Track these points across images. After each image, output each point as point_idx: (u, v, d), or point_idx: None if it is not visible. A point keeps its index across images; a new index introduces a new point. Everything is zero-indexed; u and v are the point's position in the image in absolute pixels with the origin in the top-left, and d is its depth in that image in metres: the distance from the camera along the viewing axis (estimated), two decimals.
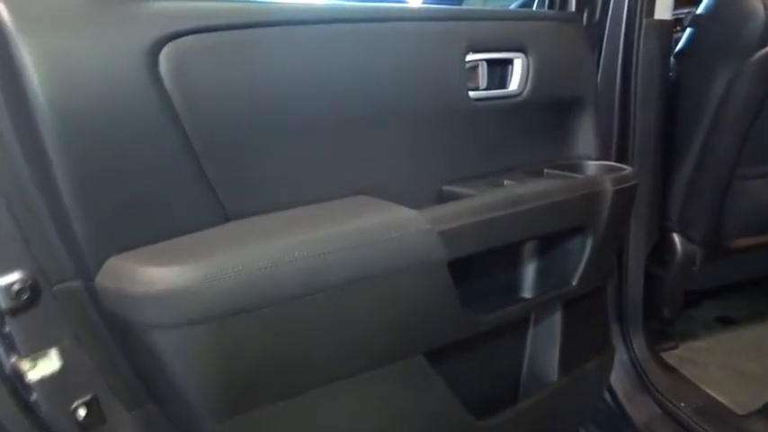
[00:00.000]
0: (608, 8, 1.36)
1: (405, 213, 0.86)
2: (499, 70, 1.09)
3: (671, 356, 1.73)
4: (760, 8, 1.32)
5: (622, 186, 1.12)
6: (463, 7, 1.42)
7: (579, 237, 1.11)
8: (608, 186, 1.10)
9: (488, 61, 1.05)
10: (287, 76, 0.85)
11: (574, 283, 1.12)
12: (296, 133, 0.87)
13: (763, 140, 1.46)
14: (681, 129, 1.50)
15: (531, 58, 1.09)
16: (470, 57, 1.02)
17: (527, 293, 1.13)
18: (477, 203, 0.94)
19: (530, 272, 1.14)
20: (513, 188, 1.03)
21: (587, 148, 1.24)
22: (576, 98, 1.19)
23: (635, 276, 1.50)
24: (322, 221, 0.83)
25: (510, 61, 1.09)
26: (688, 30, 1.47)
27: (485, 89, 1.06)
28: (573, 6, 1.28)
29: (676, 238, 1.61)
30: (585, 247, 1.12)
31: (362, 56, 0.92)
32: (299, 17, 0.87)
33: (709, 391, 1.51)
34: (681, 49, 1.48)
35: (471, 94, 1.03)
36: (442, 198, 1.03)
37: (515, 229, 0.98)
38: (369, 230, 0.82)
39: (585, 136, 1.23)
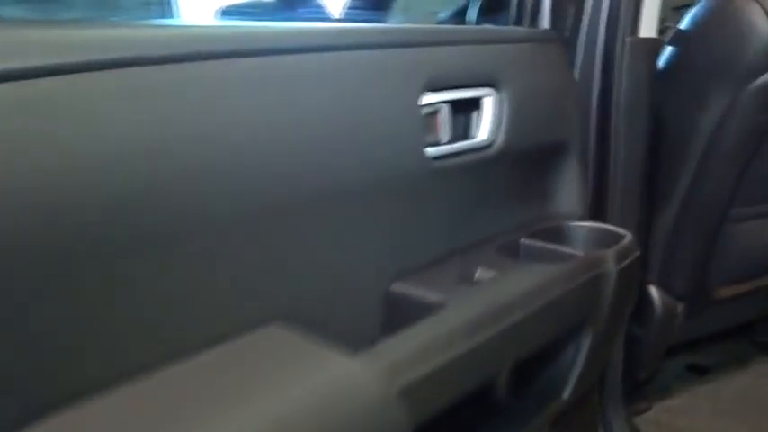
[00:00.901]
0: (580, 23, 1.08)
1: (344, 368, 0.54)
2: (463, 114, 0.79)
3: (647, 424, 1.49)
4: (763, 23, 1.08)
5: (628, 262, 0.84)
6: (414, 25, 1.10)
7: (573, 335, 0.83)
8: (611, 265, 0.82)
9: (451, 103, 0.75)
10: (139, 144, 0.51)
11: (565, 395, 0.84)
12: (170, 237, 0.53)
13: (761, 177, 1.23)
14: (665, 167, 1.25)
15: (504, 95, 0.80)
16: (427, 98, 0.72)
17: (502, 418, 0.83)
18: (446, 325, 0.63)
19: (506, 386, 0.84)
20: (493, 289, 0.73)
21: (571, 205, 0.96)
22: (558, 144, 0.91)
23: (616, 345, 1.25)
24: (203, 405, 0.49)
25: (477, 101, 0.79)
26: (670, 48, 1.22)
27: (447, 143, 0.75)
28: (546, 21, 0.99)
29: (655, 292, 1.37)
30: (581, 348, 0.83)
31: (267, 107, 0.59)
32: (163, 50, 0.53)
33: None
34: (662, 73, 1.22)
35: (429, 151, 0.72)
36: (392, 303, 0.72)
37: (503, 353, 0.68)
38: (290, 414, 0.49)
39: (569, 189, 0.95)
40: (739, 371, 1.68)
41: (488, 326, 0.64)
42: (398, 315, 0.72)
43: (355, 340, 0.55)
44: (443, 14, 2.18)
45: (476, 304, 0.66)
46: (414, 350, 0.58)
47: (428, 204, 0.75)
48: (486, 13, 1.99)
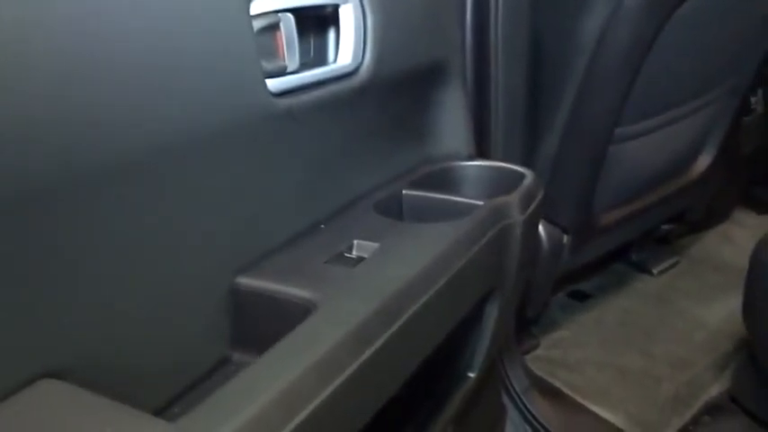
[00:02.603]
0: None
1: None
2: (315, 29, 0.57)
3: (539, 362, 1.41)
4: None
5: (533, 208, 0.68)
6: None
7: (479, 305, 0.66)
8: (516, 213, 0.65)
9: (296, 14, 0.52)
10: None
11: (473, 373, 0.68)
12: None
13: (648, 91, 1.12)
14: (545, 89, 1.11)
15: (368, 3, 0.58)
16: (260, 6, 0.49)
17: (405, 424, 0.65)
18: (313, 356, 0.42)
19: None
20: (378, 276, 0.53)
21: (457, 141, 0.78)
22: (437, 65, 0.71)
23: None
24: None
25: (332, 14, 0.57)
26: None
27: (295, 71, 0.53)
28: None
29: (541, 227, 1.25)
30: (488, 318, 0.67)
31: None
32: None
33: (604, 415, 1.21)
34: None
35: (271, 83, 0.50)
36: (240, 304, 0.51)
37: (403, 363, 0.49)
38: None
39: (454, 122, 0.77)
40: (620, 294, 1.65)
41: (378, 333, 0.45)
42: (251, 319, 0.51)
43: (182, 379, 0.34)
44: None
45: (357, 306, 0.46)
46: (258, 413, 0.37)
47: (276, 159, 0.53)
48: None
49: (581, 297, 1.67)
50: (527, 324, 1.49)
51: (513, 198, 0.68)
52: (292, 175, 0.56)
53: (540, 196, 0.73)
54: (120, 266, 0.44)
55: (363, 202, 0.64)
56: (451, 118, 0.77)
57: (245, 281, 0.51)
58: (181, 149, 0.46)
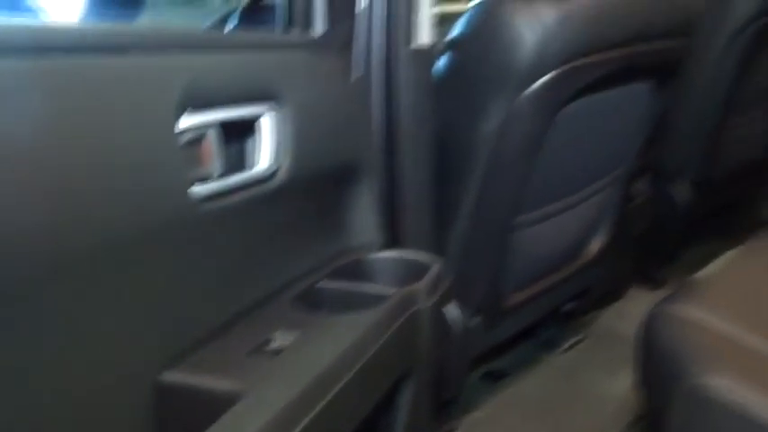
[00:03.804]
0: (354, 30, 0.98)
1: None
2: (236, 138, 0.62)
3: None
4: (529, 31, 1.06)
5: (440, 294, 0.74)
6: (167, 27, 0.90)
7: (394, 389, 0.70)
8: (424, 300, 0.71)
9: (221, 125, 0.58)
10: None
11: None
12: None
13: (544, 181, 1.24)
14: (452, 179, 1.20)
15: (285, 112, 0.65)
16: (188, 120, 0.54)
17: None
18: None
19: None
20: (300, 364, 0.56)
21: (369, 233, 0.84)
22: (349, 165, 0.78)
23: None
24: None
25: (252, 122, 0.63)
26: (444, 58, 1.17)
27: (218, 177, 0.58)
28: (320, 27, 0.86)
29: (453, 309, 1.32)
30: (403, 400, 0.71)
31: None
32: None
33: None
34: (438, 82, 1.17)
35: (195, 190, 0.55)
36: (165, 399, 0.53)
37: None
38: None
39: (365, 216, 0.83)
40: (532, 371, 1.72)
41: (299, 419, 0.48)
42: (177, 414, 0.53)
43: None
44: (209, 21, 1.99)
45: (278, 395, 0.50)
46: None
47: (199, 258, 0.57)
48: (250, 21, 1.84)
49: (496, 377, 1.73)
50: (445, 406, 1.53)
51: (421, 285, 0.73)
52: (215, 273, 0.59)
53: (447, 282, 0.79)
54: (44, 374, 0.45)
55: (283, 295, 0.68)
56: (363, 212, 0.83)
57: (169, 377, 0.53)
58: (108, 252, 0.49)
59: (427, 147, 1.08)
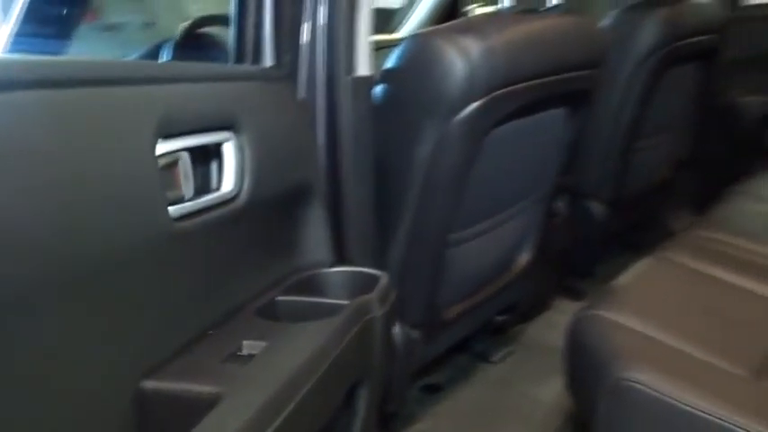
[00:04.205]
0: (298, 61, 1.04)
1: None
2: (203, 162, 0.68)
3: None
4: (458, 63, 1.16)
5: (390, 304, 0.81)
6: (143, 61, 0.94)
7: (351, 392, 0.76)
8: (376, 309, 0.77)
9: (191, 151, 0.63)
10: None
11: None
12: None
13: (475, 201, 1.33)
14: (390, 202, 1.27)
15: (245, 139, 0.70)
16: (164, 146, 0.59)
17: None
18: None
19: None
20: (274, 365, 0.62)
21: (321, 250, 0.90)
22: (301, 187, 0.84)
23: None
24: None
25: (216, 147, 0.68)
26: (381, 86, 1.26)
27: (190, 198, 0.63)
28: (269, 59, 0.92)
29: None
30: (359, 406, 0.77)
31: None
32: None
33: None
34: (378, 109, 1.25)
35: (171, 210, 0.59)
36: (147, 405, 0.57)
37: None
38: None
39: (317, 234, 0.89)
40: (467, 383, 1.80)
41: (274, 418, 0.54)
42: (158, 418, 0.57)
43: None
44: (135, 56, 2.00)
45: (256, 395, 0.55)
46: None
47: (175, 274, 0.62)
48: (183, 53, 1.87)
49: (433, 389, 1.80)
50: (387, 420, 1.58)
51: (373, 296, 0.80)
52: (188, 287, 0.64)
53: (394, 294, 0.86)
54: (29, 385, 0.48)
55: (247, 308, 0.73)
56: (316, 231, 0.89)
57: (151, 384, 0.57)
58: (95, 268, 0.53)
59: (368, 169, 1.15)
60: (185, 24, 1.96)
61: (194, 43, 1.95)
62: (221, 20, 2.06)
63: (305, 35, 1.02)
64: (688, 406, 0.99)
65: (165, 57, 1.87)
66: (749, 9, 2.35)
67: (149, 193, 0.56)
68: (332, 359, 0.65)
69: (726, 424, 0.96)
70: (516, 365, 1.87)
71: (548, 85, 1.31)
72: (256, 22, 0.89)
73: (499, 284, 1.64)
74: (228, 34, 2.05)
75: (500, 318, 1.88)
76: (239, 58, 0.92)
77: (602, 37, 1.49)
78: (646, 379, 1.04)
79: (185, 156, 0.63)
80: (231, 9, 0.93)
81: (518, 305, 1.86)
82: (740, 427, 0.95)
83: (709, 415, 0.98)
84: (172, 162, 0.61)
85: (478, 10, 2.58)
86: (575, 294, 2.17)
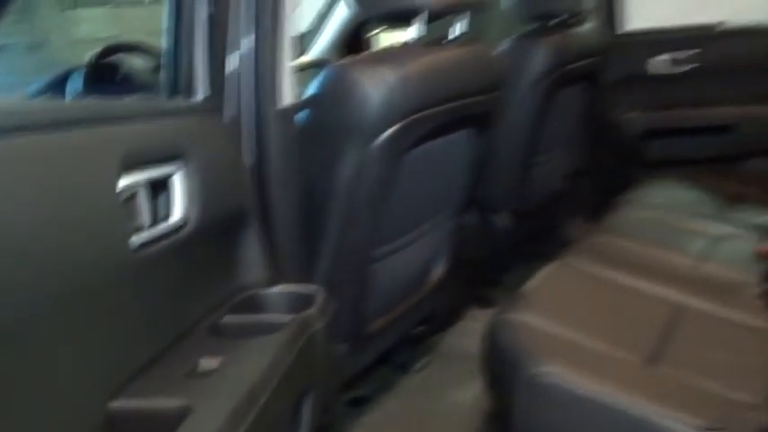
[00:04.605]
0: (224, 91, 1.10)
1: None
2: (155, 193, 0.72)
3: None
4: (377, 91, 1.25)
5: (328, 319, 0.87)
6: (102, 100, 0.96)
7: (297, 404, 0.82)
8: (318, 323, 0.84)
9: (147, 183, 0.67)
10: None
11: None
12: None
13: (395, 217, 1.42)
14: (317, 219, 1.33)
15: (191, 169, 0.76)
16: (124, 180, 0.63)
17: None
18: None
19: None
20: (235, 378, 0.67)
21: (259, 270, 0.95)
22: (240, 213, 0.90)
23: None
24: None
25: (166, 179, 0.73)
26: (304, 112, 1.32)
27: (148, 228, 0.67)
28: (202, 91, 0.97)
29: None
30: (305, 415, 0.83)
31: None
32: None
33: None
34: (302, 135, 1.31)
35: (133, 239, 0.64)
36: (116, 425, 0.60)
37: None
38: None
39: (256, 256, 0.95)
40: (391, 394, 1.88)
41: (244, 420, 0.59)
42: None
43: None
44: (36, 86, 1.97)
45: (226, 402, 0.60)
46: None
47: (136, 299, 0.65)
48: (94, 85, 1.86)
49: (360, 402, 1.86)
50: None
51: (314, 311, 0.86)
52: (146, 311, 0.67)
53: (331, 308, 0.92)
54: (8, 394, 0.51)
55: (198, 328, 0.77)
56: (252, 252, 0.94)
57: (118, 404, 0.61)
58: (66, 301, 0.56)
59: (295, 193, 1.21)
60: (94, 53, 1.95)
61: (105, 73, 1.94)
62: (130, 47, 2.06)
63: (231, 66, 1.07)
64: (591, 393, 1.12)
65: (73, 86, 1.86)
66: (625, 36, 2.59)
67: (114, 226, 0.60)
68: (284, 371, 0.71)
69: (622, 406, 1.10)
70: (436, 373, 1.96)
71: (456, 109, 1.42)
72: (189, 56, 0.94)
73: (418, 296, 1.74)
74: (135, 62, 2.06)
75: (418, 329, 1.98)
76: (173, 91, 0.96)
77: (501, 64, 1.62)
78: (555, 372, 1.16)
79: (143, 188, 0.67)
80: (163, 41, 0.97)
81: (434, 316, 1.96)
82: (634, 408, 1.09)
83: (609, 399, 1.11)
84: (133, 194, 0.65)
85: (382, 35, 2.71)
86: (485, 303, 2.30)
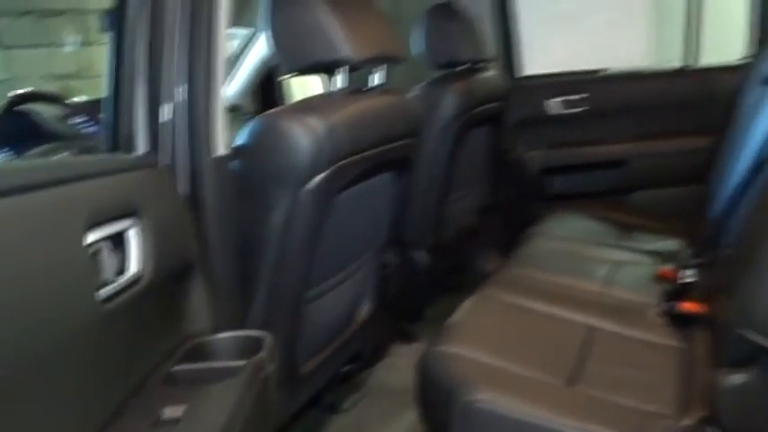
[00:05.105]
0: (158, 145, 1.12)
1: None
2: (114, 248, 0.74)
3: None
4: (305, 139, 1.30)
5: (276, 362, 0.91)
6: (64, 161, 0.96)
7: None
8: (269, 366, 0.87)
9: (110, 239, 0.70)
10: None
11: None
12: None
13: (325, 259, 1.46)
14: (251, 264, 1.36)
15: (144, 224, 0.78)
16: (90, 236, 0.65)
17: None
18: None
19: None
20: (197, 425, 0.69)
21: (205, 318, 0.97)
22: (188, 265, 0.92)
23: None
24: None
25: (122, 233, 0.75)
26: (236, 161, 1.36)
27: (111, 282, 0.69)
28: (142, 146, 0.99)
29: None
30: None
31: None
32: None
33: None
34: (235, 182, 1.34)
35: (99, 294, 0.66)
36: None
37: None
38: None
39: (202, 305, 0.97)
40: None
41: None
42: None
43: None
44: None
45: None
46: None
47: (102, 352, 0.67)
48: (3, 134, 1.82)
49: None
50: None
51: (265, 355, 0.89)
52: (113, 362, 0.68)
53: (277, 352, 0.96)
54: None
55: (153, 378, 0.78)
56: (197, 301, 0.96)
57: None
58: (36, 363, 0.57)
59: (231, 240, 1.24)
60: (3, 102, 1.91)
61: (13, 122, 1.89)
62: (41, 96, 2.02)
63: (166, 116, 1.10)
64: (522, 415, 1.21)
65: None
66: (522, 79, 2.80)
67: (83, 281, 0.62)
68: (246, 416, 0.73)
69: (551, 425, 1.19)
70: (365, 410, 2.00)
71: (380, 154, 1.50)
72: (129, 112, 0.96)
73: (346, 335, 1.78)
74: (51, 112, 2.02)
75: (346, 368, 2.01)
76: (114, 148, 0.97)
77: (418, 110, 1.73)
78: (488, 398, 1.23)
79: (106, 243, 0.68)
80: (103, 95, 0.98)
81: (362, 353, 2.01)
82: (561, 426, 1.18)
83: (538, 420, 1.20)
84: (98, 250, 0.66)
85: (294, 80, 2.78)
86: (408, 338, 2.37)
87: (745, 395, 1.14)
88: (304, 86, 2.80)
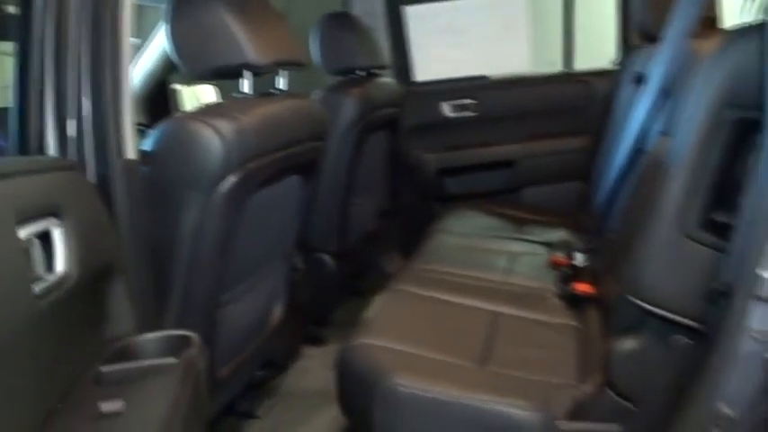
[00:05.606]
0: (67, 147, 1.10)
1: None
2: (43, 246, 0.73)
3: None
4: (215, 142, 1.31)
5: (204, 359, 0.92)
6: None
7: None
8: (200, 363, 0.88)
9: (38, 238, 0.69)
10: None
11: None
12: None
13: (237, 263, 1.47)
14: (165, 267, 1.34)
15: (67, 224, 0.78)
16: (23, 232, 0.65)
17: None
18: None
19: None
20: (140, 417, 0.69)
21: (128, 320, 0.97)
22: (110, 266, 0.91)
23: None
24: None
25: (48, 233, 0.74)
26: (146, 166, 1.34)
27: (43, 278, 0.68)
28: (53, 149, 0.97)
29: None
30: None
31: None
32: None
33: None
34: (147, 187, 1.32)
35: (35, 287, 0.65)
36: None
37: None
38: None
39: (122, 306, 0.96)
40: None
41: None
42: None
43: None
44: None
45: None
46: None
47: (39, 350, 0.66)
48: None
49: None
50: None
51: (194, 351, 0.89)
52: (48, 360, 0.67)
53: (204, 350, 0.96)
54: None
55: (84, 378, 0.77)
56: (120, 303, 0.95)
57: None
58: None
59: (144, 244, 1.22)
60: None
61: None
62: None
63: (75, 122, 1.07)
64: (439, 395, 1.28)
65: None
66: (417, 84, 2.91)
67: (19, 273, 0.60)
68: (184, 411, 0.74)
69: (466, 401, 1.27)
70: (283, 415, 2.00)
71: (288, 157, 1.53)
72: (39, 116, 0.94)
73: (260, 340, 1.78)
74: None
75: (259, 373, 2.01)
76: (23, 150, 0.94)
77: (324, 114, 1.77)
78: (406, 383, 1.29)
79: (37, 240, 0.67)
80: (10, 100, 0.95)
81: (275, 358, 2.01)
82: (475, 401, 1.26)
83: (454, 398, 1.27)
84: (29, 245, 0.65)
85: (185, 88, 2.73)
86: (317, 341, 2.40)
87: (636, 359, 1.27)
88: (195, 96, 2.77)
